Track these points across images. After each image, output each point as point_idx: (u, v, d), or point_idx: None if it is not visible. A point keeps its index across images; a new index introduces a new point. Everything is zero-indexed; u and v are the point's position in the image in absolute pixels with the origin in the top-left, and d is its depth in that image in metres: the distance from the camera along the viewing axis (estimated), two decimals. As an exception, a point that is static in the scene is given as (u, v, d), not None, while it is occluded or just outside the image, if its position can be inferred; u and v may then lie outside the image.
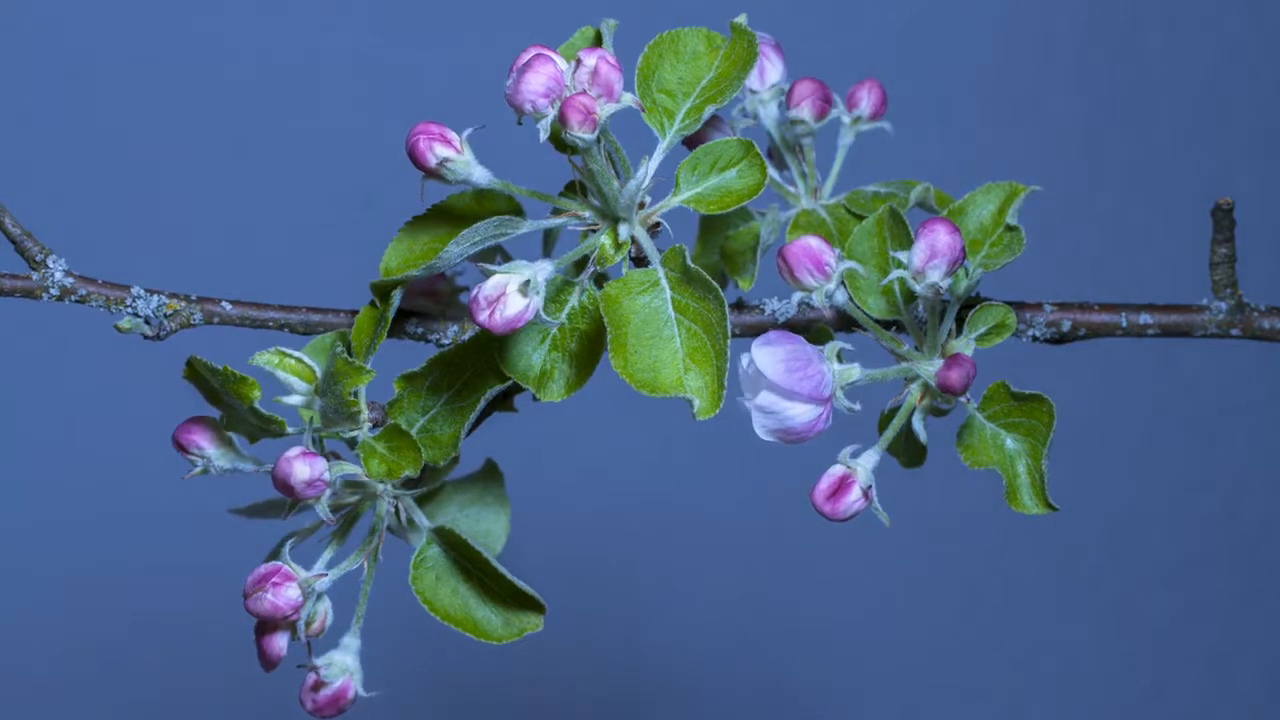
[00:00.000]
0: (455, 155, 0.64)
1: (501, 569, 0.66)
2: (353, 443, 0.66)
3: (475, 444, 0.68)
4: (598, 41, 0.66)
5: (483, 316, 0.63)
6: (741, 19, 0.66)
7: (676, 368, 0.62)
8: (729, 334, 0.62)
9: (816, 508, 0.65)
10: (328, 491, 0.64)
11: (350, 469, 0.65)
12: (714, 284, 0.62)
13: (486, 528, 0.72)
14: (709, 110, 0.64)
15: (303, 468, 0.63)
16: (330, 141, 1.57)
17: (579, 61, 0.62)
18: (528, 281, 0.63)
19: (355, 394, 0.64)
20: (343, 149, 1.56)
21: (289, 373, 0.65)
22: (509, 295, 0.62)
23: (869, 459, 0.65)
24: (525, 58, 0.62)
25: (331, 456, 0.66)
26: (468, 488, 0.72)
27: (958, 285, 0.66)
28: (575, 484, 1.58)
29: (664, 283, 0.63)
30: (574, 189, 0.66)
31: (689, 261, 0.62)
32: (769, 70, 0.73)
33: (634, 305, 0.63)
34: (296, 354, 0.65)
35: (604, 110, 0.62)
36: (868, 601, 1.66)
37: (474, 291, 0.63)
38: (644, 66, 0.65)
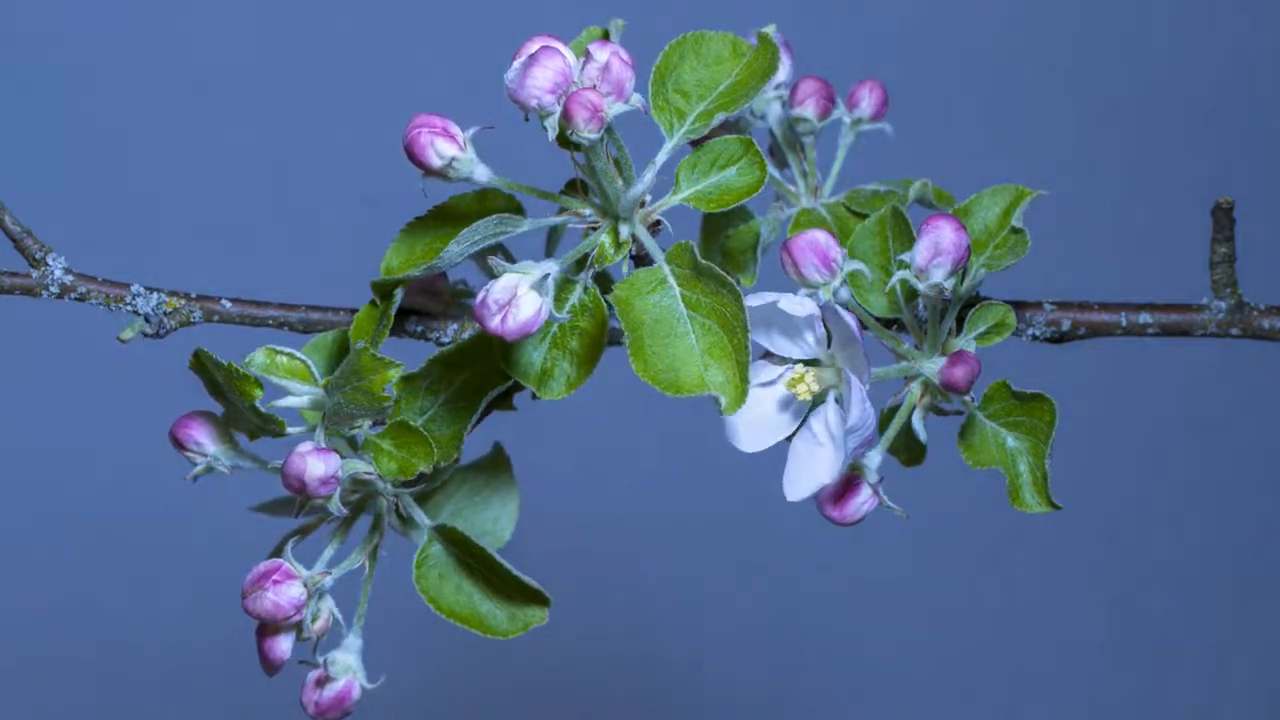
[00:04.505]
0: (460, 154, 0.63)
1: (504, 563, 0.66)
2: (353, 441, 0.66)
3: (474, 435, 0.68)
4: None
5: (494, 323, 0.61)
6: (770, 29, 0.66)
7: (695, 365, 0.62)
8: (747, 327, 0.61)
9: (823, 513, 0.64)
10: (338, 489, 0.64)
11: (360, 466, 0.65)
12: (727, 278, 0.61)
13: (495, 514, 0.72)
14: (720, 117, 0.64)
15: (317, 464, 0.62)
16: (331, 140, 1.57)
17: (589, 56, 0.61)
18: (540, 281, 0.61)
19: (388, 389, 0.62)
20: (343, 148, 1.56)
21: (283, 372, 0.65)
22: (521, 296, 0.61)
23: (872, 458, 0.65)
24: (531, 48, 0.61)
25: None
26: (474, 475, 0.72)
27: (960, 285, 0.66)
28: (579, 477, 1.58)
29: (671, 280, 0.63)
30: (575, 187, 0.65)
31: (698, 257, 0.62)
32: (778, 69, 0.73)
33: (645, 305, 0.62)
34: (288, 350, 0.65)
35: (612, 110, 0.61)
36: (868, 600, 1.66)
37: (480, 295, 0.61)
38: (662, 64, 0.65)
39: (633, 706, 1.61)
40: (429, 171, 0.63)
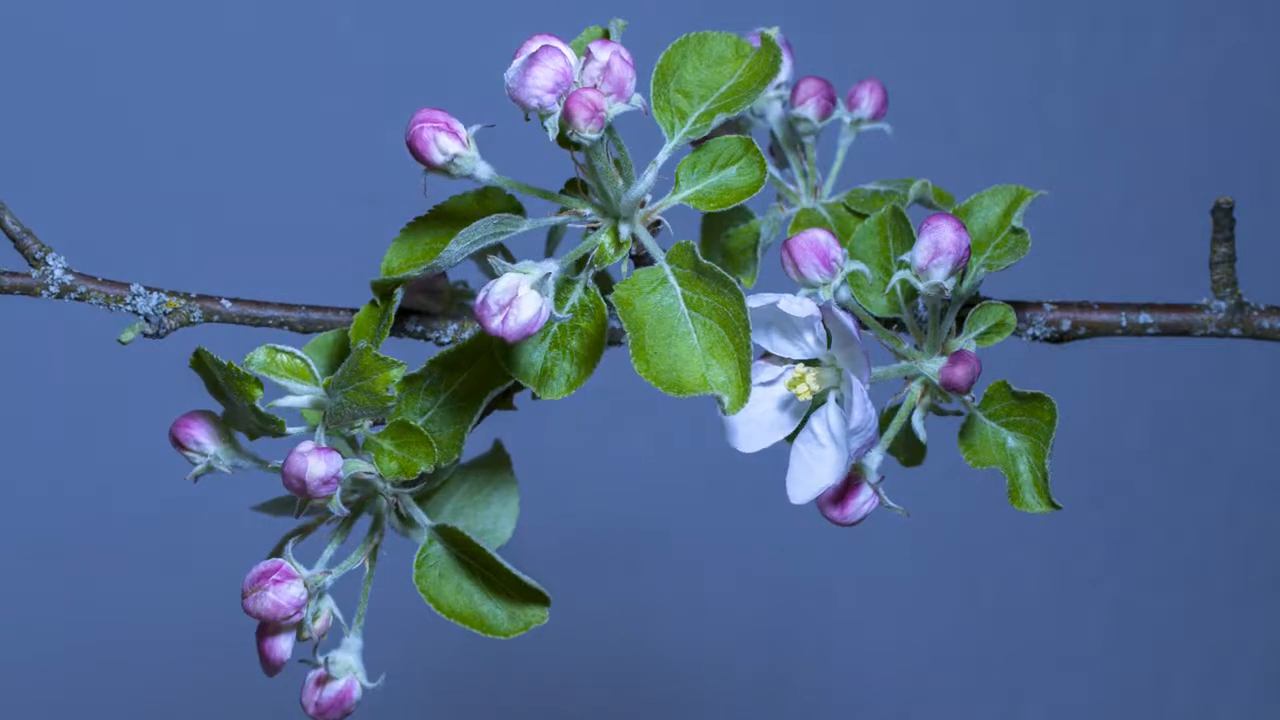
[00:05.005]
0: (463, 151, 0.62)
1: (504, 563, 0.66)
2: (353, 441, 0.66)
3: (474, 432, 0.68)
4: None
5: (495, 324, 0.60)
6: (773, 31, 0.65)
7: (697, 365, 0.61)
8: (749, 326, 0.61)
9: (824, 513, 0.64)
10: (339, 489, 0.63)
11: (361, 466, 0.65)
12: (728, 277, 0.61)
13: (495, 512, 0.72)
14: (720, 118, 0.64)
15: (318, 464, 0.62)
16: (331, 140, 1.57)
17: (590, 55, 0.61)
18: (540, 281, 0.61)
19: (390, 388, 0.62)
20: (344, 148, 1.56)
21: (284, 371, 0.65)
22: (522, 297, 0.60)
23: (872, 458, 0.65)
24: (531, 47, 0.60)
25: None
26: (474, 474, 0.72)
27: (960, 284, 0.66)
28: (578, 476, 1.58)
29: (672, 280, 0.62)
30: (575, 186, 0.65)
31: (699, 256, 0.62)
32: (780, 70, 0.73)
33: (646, 305, 0.62)
34: (289, 348, 0.65)
35: (612, 109, 0.60)
36: (868, 600, 1.66)
37: (481, 296, 0.61)
38: (664, 64, 0.64)
39: (633, 706, 1.61)
40: (431, 167, 0.63)
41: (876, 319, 0.66)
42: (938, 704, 1.66)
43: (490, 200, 0.68)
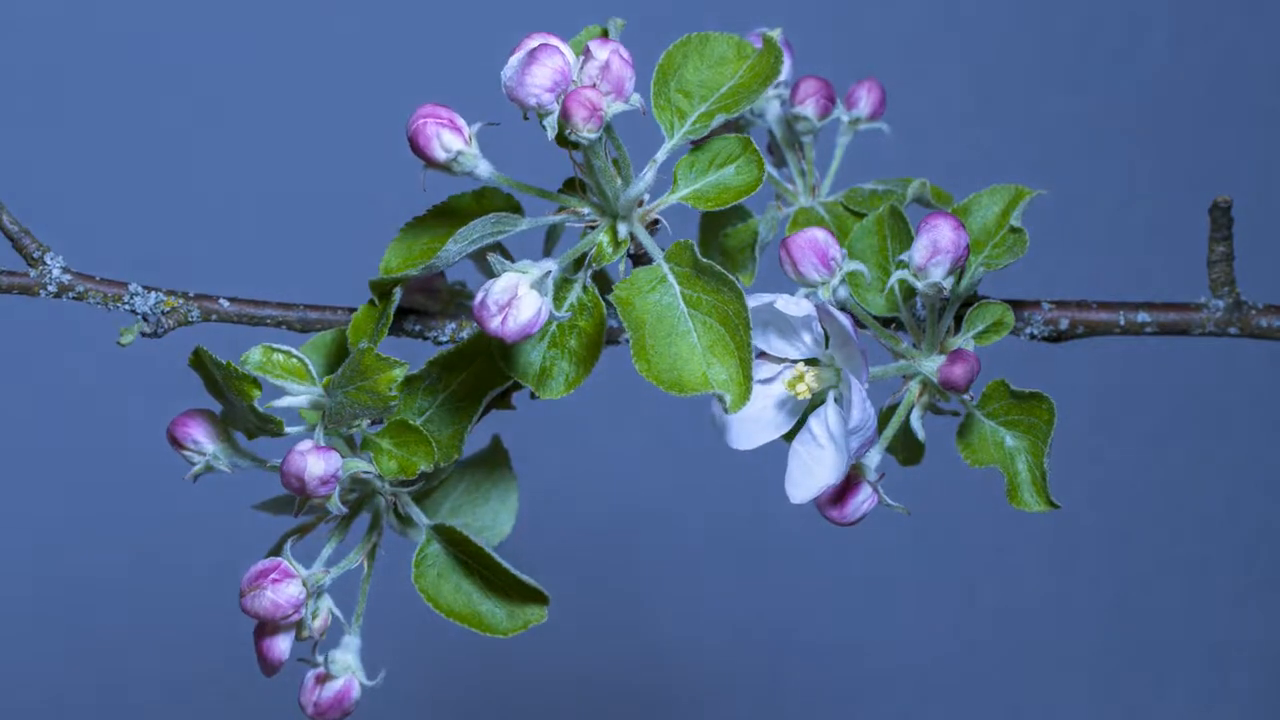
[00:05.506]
0: (465, 148, 0.62)
1: (503, 562, 0.66)
2: (351, 440, 0.66)
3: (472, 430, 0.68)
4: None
5: (494, 324, 0.60)
6: (775, 33, 0.65)
7: (698, 363, 0.61)
8: (749, 324, 0.61)
9: (823, 513, 0.64)
10: (338, 488, 0.63)
11: (361, 465, 0.64)
12: (728, 275, 0.61)
13: (494, 509, 0.72)
14: (720, 119, 0.64)
15: (317, 463, 0.62)
16: (331, 140, 1.57)
17: (589, 53, 0.61)
18: (539, 280, 0.61)
19: (393, 388, 0.62)
20: (344, 147, 1.56)
21: (280, 370, 0.65)
22: (521, 297, 0.60)
23: (871, 457, 0.65)
24: (530, 45, 0.60)
25: (334, 454, 0.65)
26: (473, 471, 0.72)
27: (958, 284, 0.66)
28: (578, 475, 1.58)
29: (671, 278, 0.62)
30: (573, 185, 0.65)
31: (699, 255, 0.62)
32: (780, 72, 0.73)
33: (646, 304, 0.62)
34: (285, 348, 0.65)
35: (611, 109, 0.60)
36: (868, 599, 1.66)
37: (480, 296, 0.60)
38: (665, 63, 0.64)
39: (633, 705, 1.61)
40: (431, 164, 0.63)
41: (875, 318, 0.66)
42: (938, 704, 1.66)
43: (488, 199, 0.68)
